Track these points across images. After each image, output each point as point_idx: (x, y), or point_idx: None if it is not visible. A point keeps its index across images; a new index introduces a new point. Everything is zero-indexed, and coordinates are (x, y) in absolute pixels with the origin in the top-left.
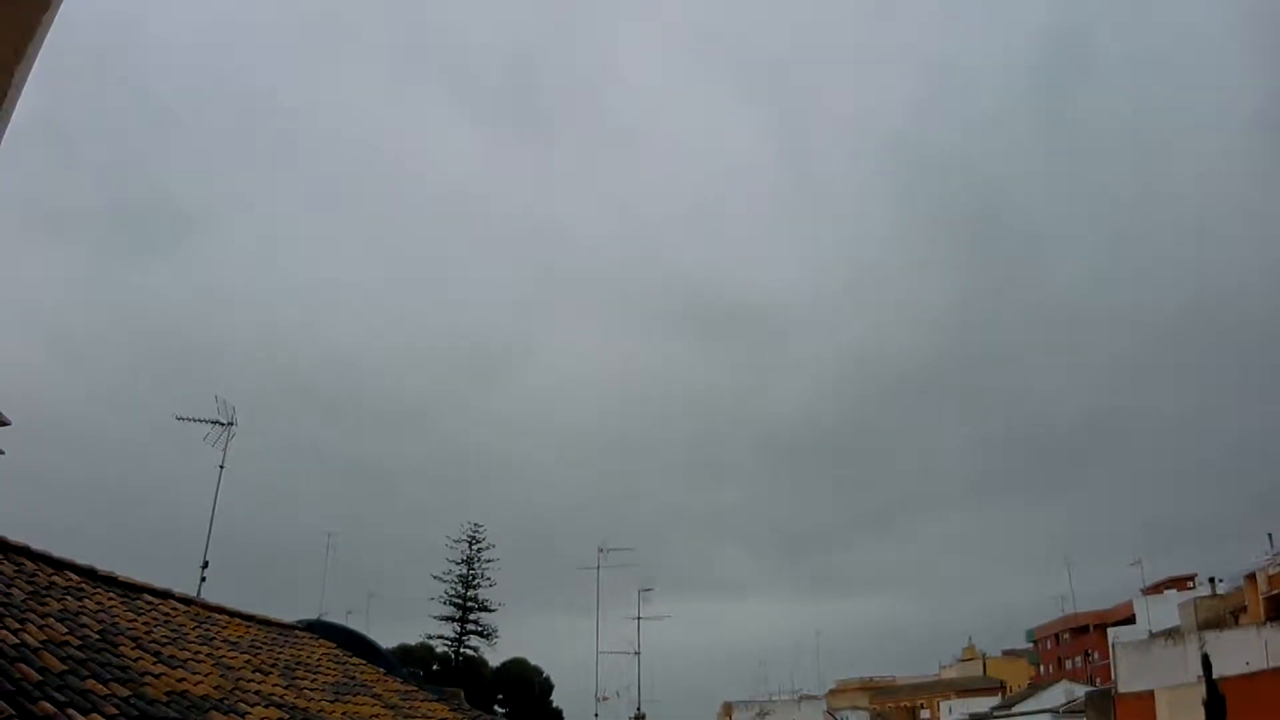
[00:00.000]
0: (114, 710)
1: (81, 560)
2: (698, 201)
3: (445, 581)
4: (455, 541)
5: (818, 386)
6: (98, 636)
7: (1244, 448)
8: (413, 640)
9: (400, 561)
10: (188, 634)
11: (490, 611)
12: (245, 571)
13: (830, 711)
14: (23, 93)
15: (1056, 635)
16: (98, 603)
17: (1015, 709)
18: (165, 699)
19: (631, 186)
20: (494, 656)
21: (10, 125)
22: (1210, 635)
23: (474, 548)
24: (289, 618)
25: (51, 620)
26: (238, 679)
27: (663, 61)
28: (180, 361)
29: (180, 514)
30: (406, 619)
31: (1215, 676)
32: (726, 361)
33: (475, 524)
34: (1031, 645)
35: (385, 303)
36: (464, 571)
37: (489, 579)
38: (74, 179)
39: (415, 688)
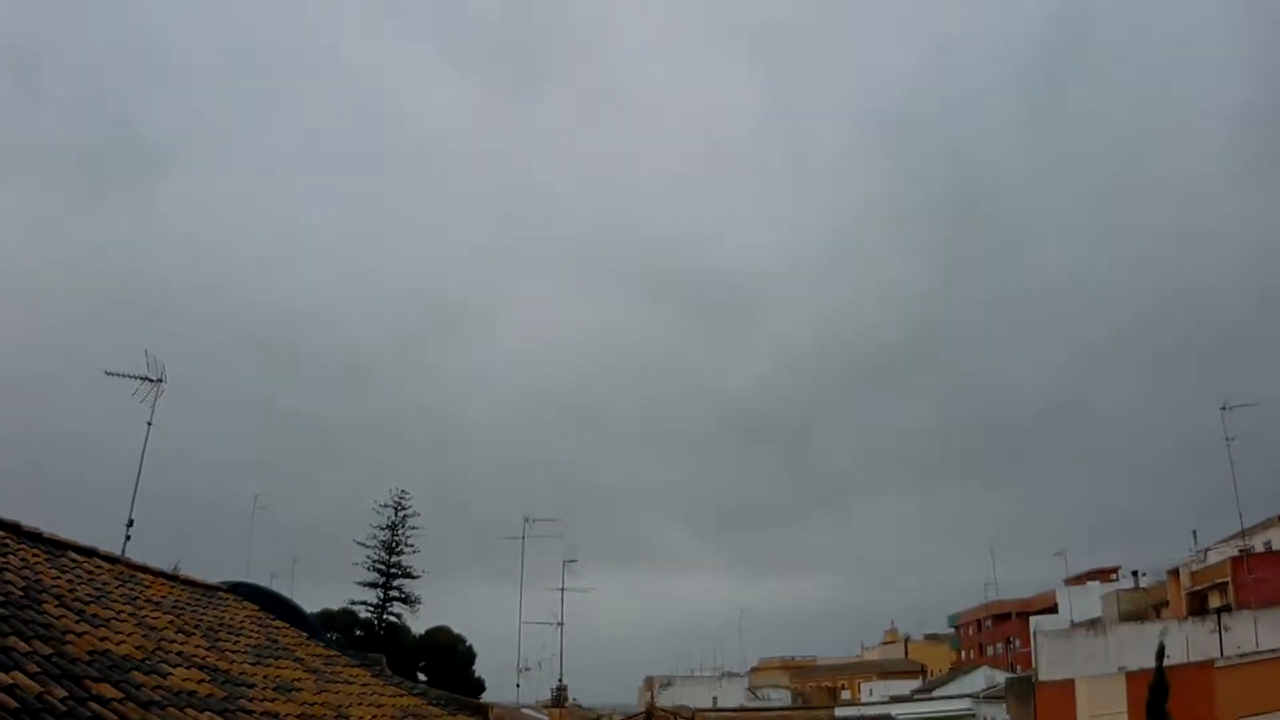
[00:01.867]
0: (35, 668)
1: (10, 516)
2: (681, 165)
3: (369, 547)
4: (381, 506)
5: (782, 361)
6: (21, 594)
7: (1194, 446)
8: (336, 605)
9: (335, 523)
10: (111, 593)
11: (414, 579)
12: (173, 531)
13: (751, 689)
14: None
15: (979, 621)
16: (21, 559)
17: (935, 693)
18: (87, 658)
19: (616, 145)
20: (417, 624)
21: None
22: (1130, 627)
23: (399, 514)
24: (214, 579)
25: None
26: (160, 639)
27: (661, 18)
28: (126, 309)
29: (111, 469)
30: (332, 583)
31: (1134, 669)
32: (694, 331)
33: (401, 490)
34: (954, 630)
35: (345, 253)
36: (388, 537)
37: (412, 546)
38: (36, 111)
39: (337, 653)
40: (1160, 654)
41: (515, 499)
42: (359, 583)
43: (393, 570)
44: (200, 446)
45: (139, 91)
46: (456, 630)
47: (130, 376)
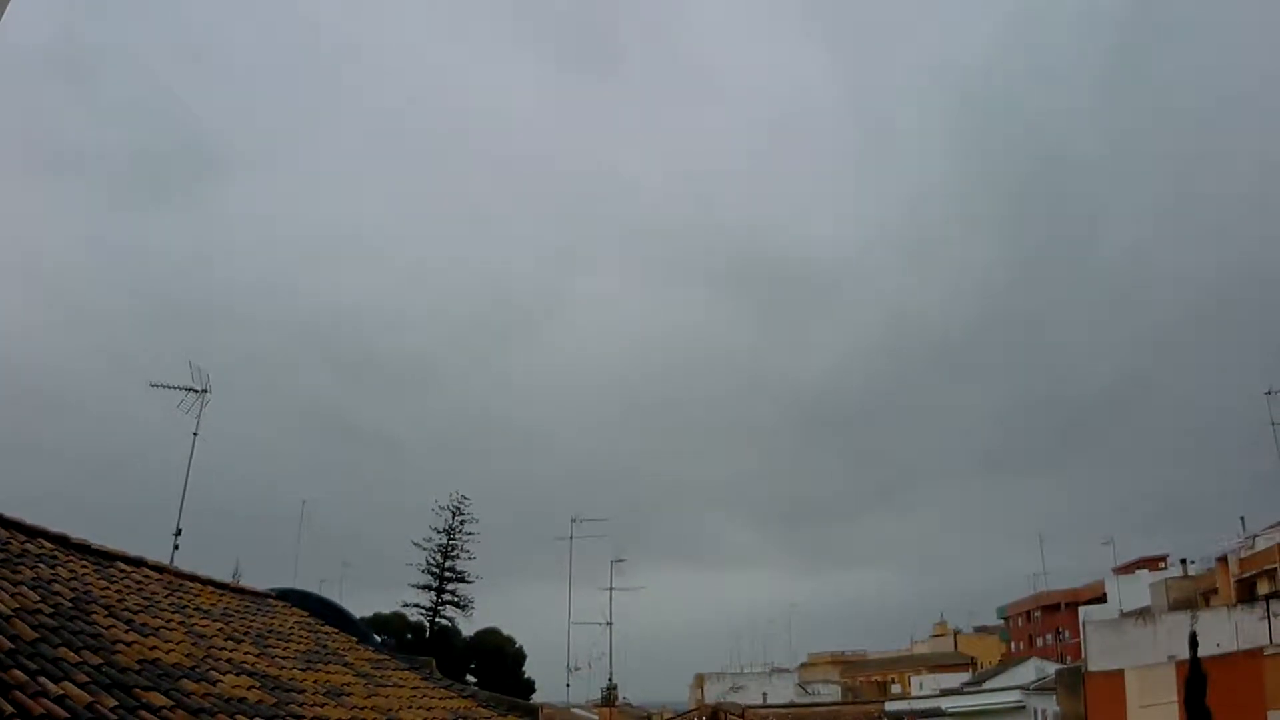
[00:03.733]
0: (85, 678)
1: (60, 527)
2: (759, 147)
3: (425, 550)
4: (440, 509)
5: (853, 348)
6: (70, 604)
7: (1255, 429)
8: (388, 609)
9: (390, 527)
10: (160, 602)
11: (468, 583)
12: (225, 538)
13: (801, 684)
14: (44, 22)
15: (1028, 613)
16: (70, 570)
17: (985, 685)
18: (137, 667)
19: (692, 129)
20: (467, 627)
21: (23, 57)
22: (1180, 616)
23: (456, 518)
24: (264, 585)
25: (24, 588)
26: (210, 647)
27: None
28: (180, 314)
29: (170, 479)
30: (386, 587)
31: (1184, 658)
32: (763, 321)
33: (460, 494)
34: (1003, 622)
35: (408, 252)
36: (444, 541)
37: (468, 551)
38: (94, 116)
39: (387, 657)
40: (1194, 645)
41: (577, 498)
42: (412, 585)
43: (447, 574)
44: (255, 452)
45: (198, 92)
46: (507, 632)
47: (175, 388)
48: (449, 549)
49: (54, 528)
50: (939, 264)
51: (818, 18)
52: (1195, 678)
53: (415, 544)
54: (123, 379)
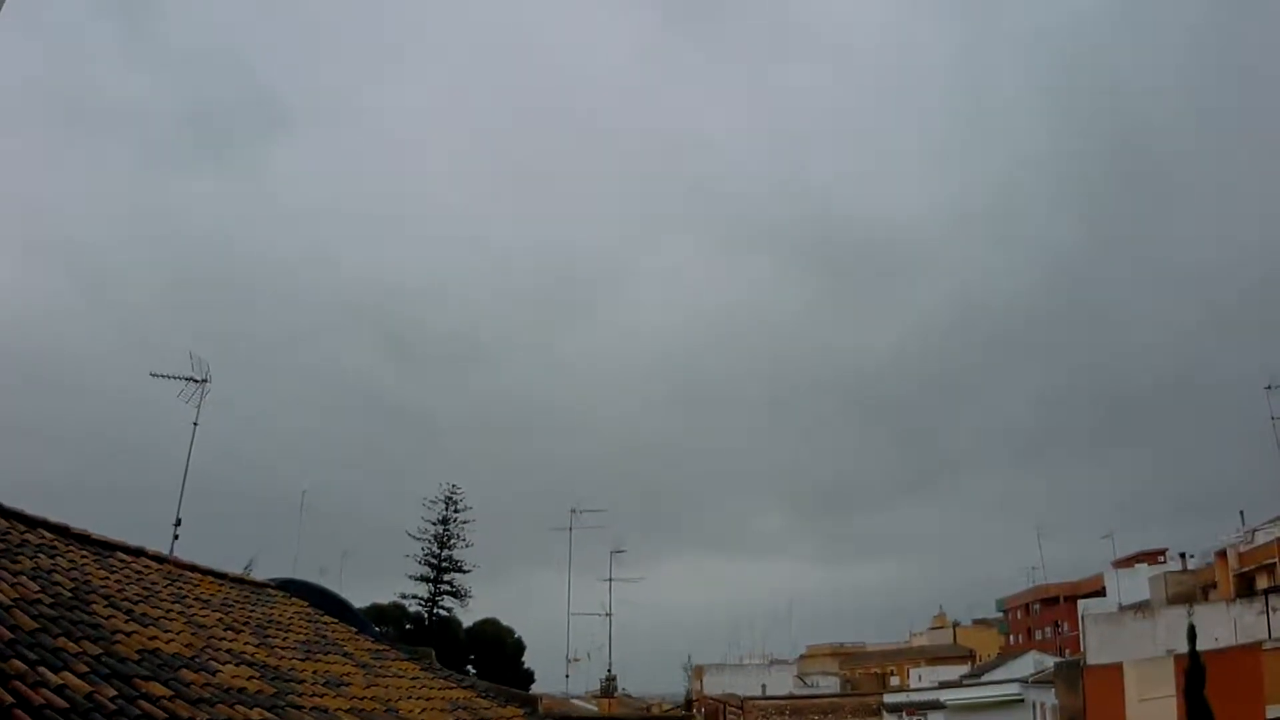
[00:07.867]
0: (85, 668)
1: (69, 511)
2: (850, 109)
3: (420, 540)
4: (432, 502)
5: (917, 329)
6: (70, 594)
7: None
8: (386, 599)
9: (413, 511)
10: (160, 592)
11: (464, 573)
12: (238, 524)
13: (800, 676)
14: None
15: (1027, 606)
16: (70, 560)
17: (984, 678)
18: (137, 657)
19: (787, 88)
20: (467, 617)
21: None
22: (1179, 610)
23: (450, 508)
24: (269, 573)
25: (24, 578)
26: (209, 637)
27: None
28: (216, 289)
29: (198, 467)
30: (385, 576)
31: (1183, 652)
32: (832, 295)
33: (453, 484)
34: (1002, 615)
35: (468, 221)
36: (440, 531)
37: (464, 539)
38: (145, 67)
39: (387, 647)
40: (1192, 637)
41: (607, 482)
42: (410, 576)
43: (444, 564)
44: (279, 435)
45: (265, 43)
46: (506, 622)
47: (175, 378)
48: (445, 539)
49: (61, 513)
50: (1017, 243)
51: None
52: (1194, 670)
53: (410, 535)
54: (146, 356)
